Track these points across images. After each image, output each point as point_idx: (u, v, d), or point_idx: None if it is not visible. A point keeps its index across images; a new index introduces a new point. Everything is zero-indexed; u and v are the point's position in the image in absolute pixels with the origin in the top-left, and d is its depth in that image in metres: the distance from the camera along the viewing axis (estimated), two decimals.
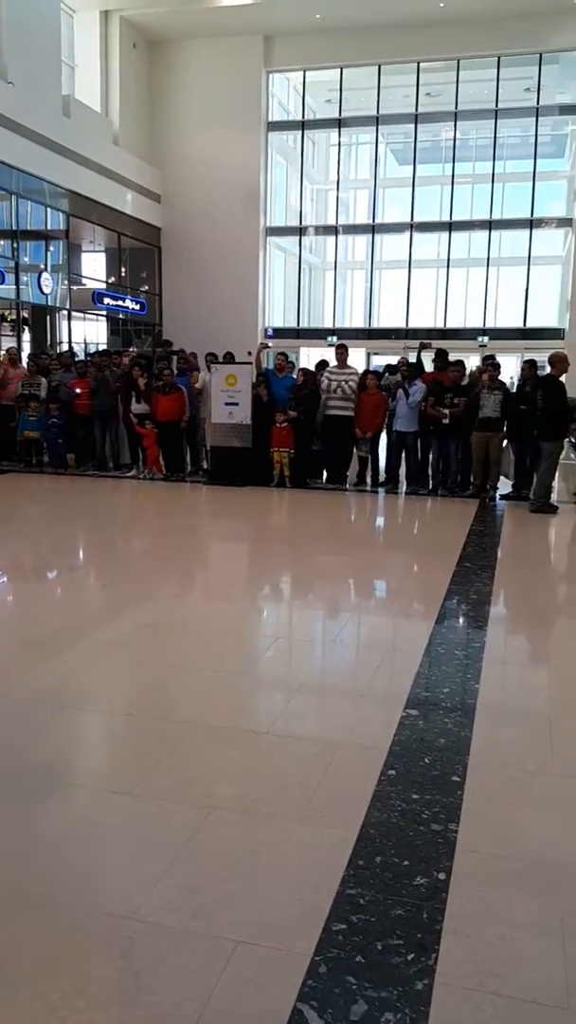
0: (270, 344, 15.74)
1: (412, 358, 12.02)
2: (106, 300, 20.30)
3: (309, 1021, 1.94)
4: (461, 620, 5.49)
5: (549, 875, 2.55)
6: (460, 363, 11.22)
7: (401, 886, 2.45)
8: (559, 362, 9.49)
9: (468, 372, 11.37)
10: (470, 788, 3.04)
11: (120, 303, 20.91)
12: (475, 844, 2.69)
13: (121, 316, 21.48)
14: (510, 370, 11.38)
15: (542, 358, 20.69)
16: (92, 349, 18.90)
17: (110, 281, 21.62)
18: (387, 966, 2.13)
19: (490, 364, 10.73)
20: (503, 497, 10.34)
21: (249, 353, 12.51)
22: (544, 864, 2.61)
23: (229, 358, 12.03)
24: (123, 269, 21.84)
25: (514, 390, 11.01)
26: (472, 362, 14.62)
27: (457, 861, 2.59)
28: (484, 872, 2.55)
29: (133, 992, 2.02)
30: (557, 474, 10.09)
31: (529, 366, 10.66)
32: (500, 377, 10.49)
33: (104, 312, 20.78)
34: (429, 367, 11.43)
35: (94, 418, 11.77)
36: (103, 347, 19.64)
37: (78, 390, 11.75)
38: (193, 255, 21.96)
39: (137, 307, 21.49)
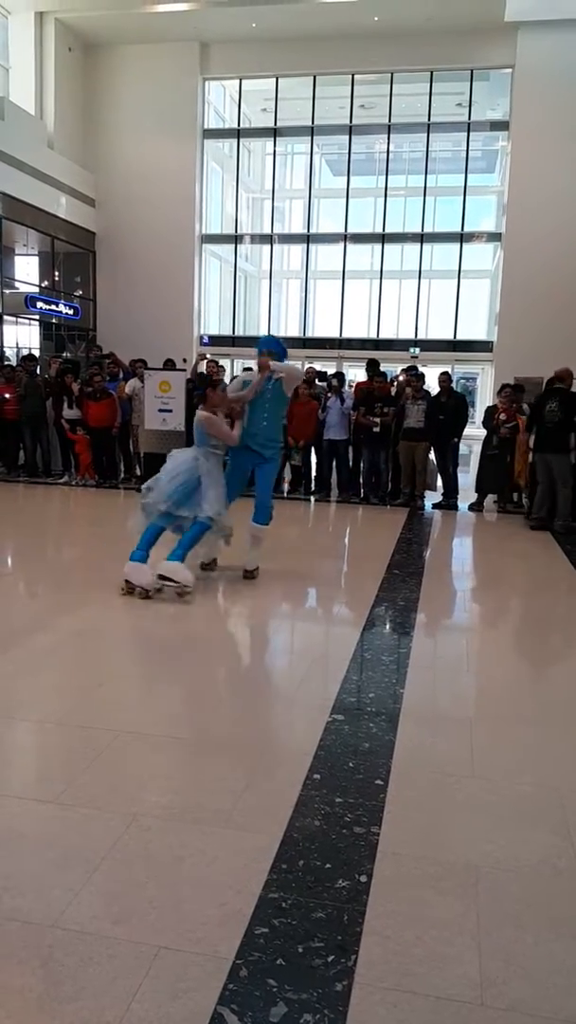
0: (208, 355, 15.73)
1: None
2: (39, 304, 20.04)
3: None
4: (388, 626, 5.57)
5: (467, 876, 2.61)
6: (385, 374, 11.43)
7: (323, 889, 2.49)
8: (568, 376, 9.54)
9: (395, 381, 11.57)
10: (393, 791, 3.10)
11: (53, 307, 20.68)
12: (396, 847, 2.75)
13: (54, 321, 21.23)
14: (432, 381, 11.55)
15: (471, 370, 21.16)
16: (25, 354, 18.62)
17: (43, 285, 21.34)
18: (307, 968, 2.16)
19: (413, 375, 10.91)
20: (435, 506, 10.50)
21: (184, 360, 12.46)
22: (462, 866, 2.67)
23: (170, 365, 11.94)
24: (57, 273, 21.60)
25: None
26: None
27: (378, 864, 2.64)
28: (404, 874, 2.61)
29: (53, 1001, 2.02)
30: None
31: (446, 377, 10.83)
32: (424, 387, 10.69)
33: (37, 316, 20.51)
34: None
35: (23, 424, 11.61)
36: (36, 352, 19.37)
37: (7, 395, 11.59)
38: (128, 260, 21.84)
39: (71, 312, 21.26)
